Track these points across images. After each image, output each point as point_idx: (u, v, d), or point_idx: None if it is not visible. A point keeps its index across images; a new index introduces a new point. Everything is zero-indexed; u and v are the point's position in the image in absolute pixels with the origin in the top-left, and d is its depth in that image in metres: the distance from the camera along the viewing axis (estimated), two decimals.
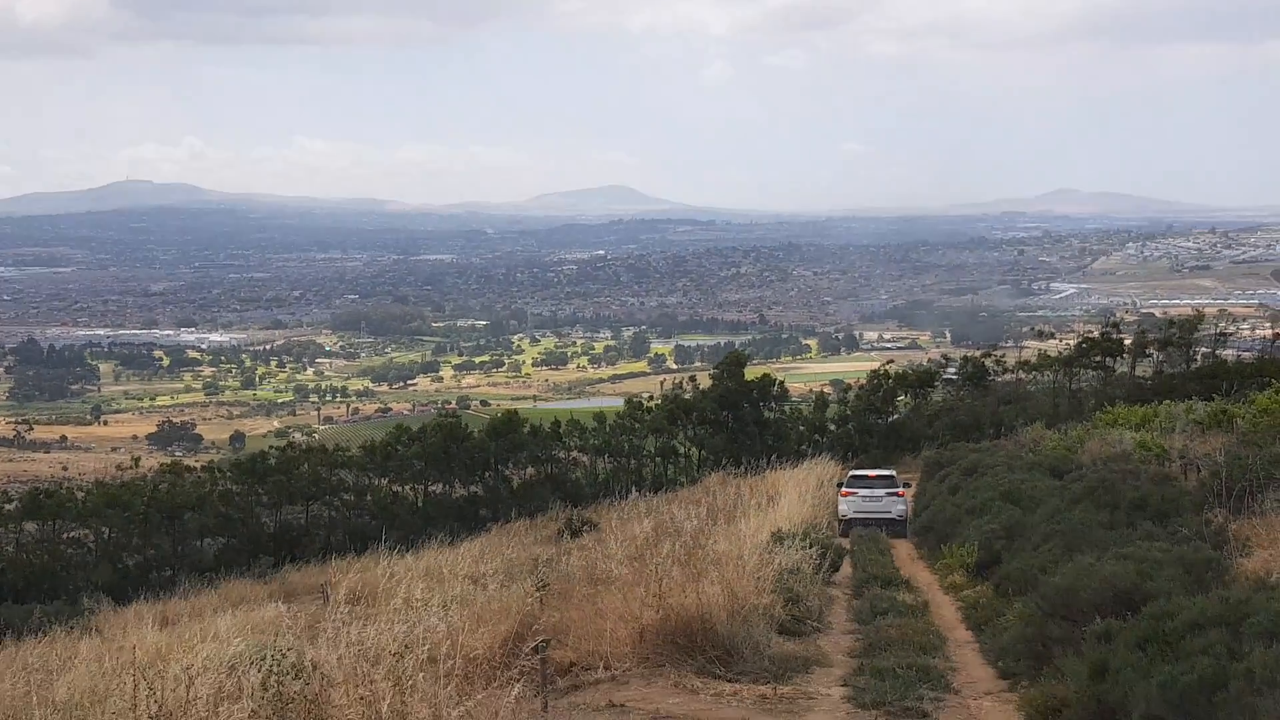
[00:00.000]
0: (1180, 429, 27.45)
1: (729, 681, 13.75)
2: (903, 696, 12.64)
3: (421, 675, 9.70)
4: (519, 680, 13.57)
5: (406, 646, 9.79)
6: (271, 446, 46.66)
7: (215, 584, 35.73)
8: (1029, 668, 13.44)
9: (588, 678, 14.11)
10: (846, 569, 23.58)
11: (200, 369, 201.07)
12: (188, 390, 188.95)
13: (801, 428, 53.64)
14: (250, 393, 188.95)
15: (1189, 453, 23.89)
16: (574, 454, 48.57)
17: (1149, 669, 10.22)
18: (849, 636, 16.85)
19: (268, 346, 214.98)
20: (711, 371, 54.79)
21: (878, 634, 16.25)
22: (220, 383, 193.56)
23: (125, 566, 40.32)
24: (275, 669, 9.73)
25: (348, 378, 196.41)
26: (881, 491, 31.71)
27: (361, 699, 8.95)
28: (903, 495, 32.15)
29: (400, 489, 45.23)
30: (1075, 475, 24.25)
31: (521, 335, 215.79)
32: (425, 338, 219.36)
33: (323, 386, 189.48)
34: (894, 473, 33.99)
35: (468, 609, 17.14)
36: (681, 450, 50.00)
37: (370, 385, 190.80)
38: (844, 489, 32.42)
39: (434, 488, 45.78)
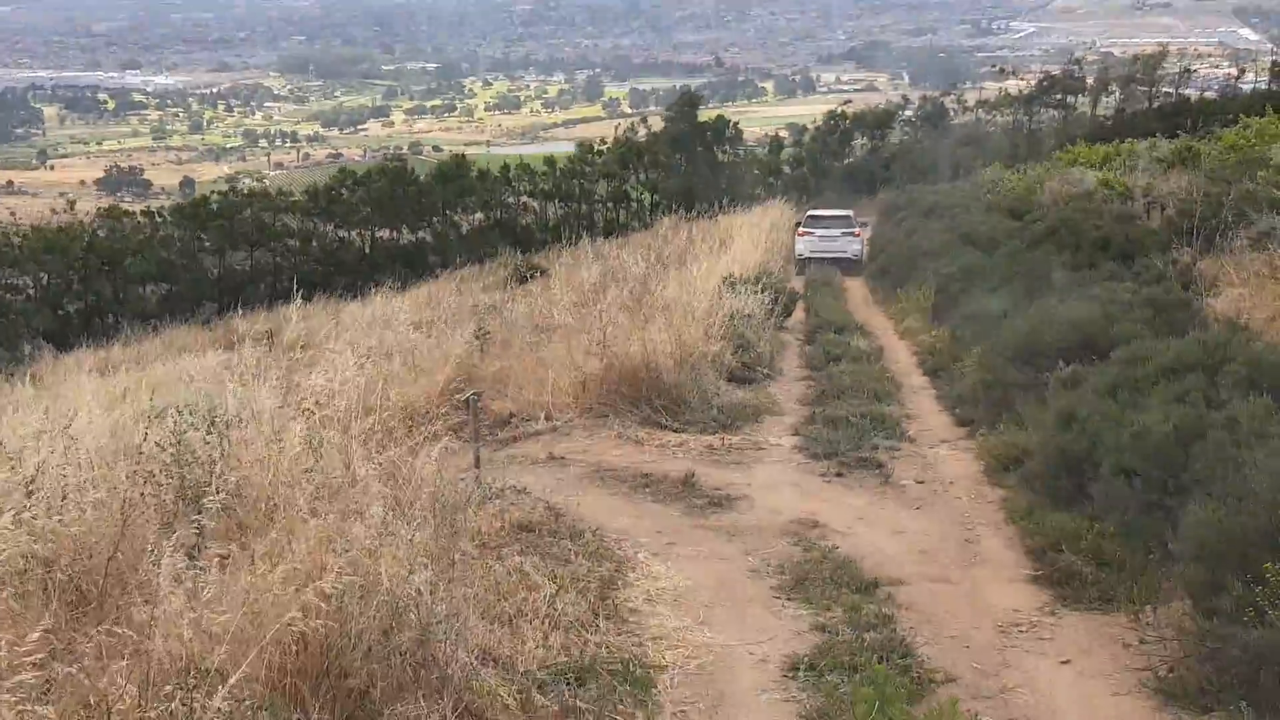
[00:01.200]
0: (1143, 167, 26.45)
1: (675, 432, 13.05)
2: (856, 446, 11.97)
3: (338, 429, 8.85)
4: (448, 433, 12.81)
5: (318, 403, 8.88)
6: (213, 191, 45.06)
7: (159, 331, 34.81)
8: (988, 415, 12.77)
9: (528, 429, 13.37)
10: (799, 314, 22.83)
11: (146, 113, 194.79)
12: (134, 135, 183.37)
13: (756, 171, 52.32)
14: (198, 137, 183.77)
15: (1154, 191, 22.96)
16: (524, 199, 47.17)
17: (1120, 418, 9.49)
18: (801, 384, 16.16)
19: (214, 90, 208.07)
20: (665, 114, 52.95)
21: (831, 381, 15.55)
22: (167, 127, 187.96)
23: (66, 313, 39.20)
24: (190, 422, 8.81)
25: (297, 122, 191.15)
26: (838, 231, 31.80)
27: (265, 455, 8.07)
28: (859, 235, 32.20)
29: (346, 235, 43.89)
30: (1035, 216, 23.34)
31: (473, 79, 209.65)
32: (375, 81, 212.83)
33: (272, 131, 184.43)
34: (851, 213, 33.88)
35: (404, 358, 16.32)
36: (634, 195, 48.64)
37: (320, 130, 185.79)
38: (801, 229, 32.42)
39: (381, 234, 44.47)
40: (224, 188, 45.76)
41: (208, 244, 41.71)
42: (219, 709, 4.14)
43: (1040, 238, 20.77)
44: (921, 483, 11.00)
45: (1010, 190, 30.62)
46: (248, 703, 4.53)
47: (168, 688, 4.21)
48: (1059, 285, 16.34)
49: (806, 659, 6.96)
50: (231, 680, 4.33)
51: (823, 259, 30.55)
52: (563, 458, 12.02)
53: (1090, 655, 7.14)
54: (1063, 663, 7.04)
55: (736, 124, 53.26)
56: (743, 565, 8.85)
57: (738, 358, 16.01)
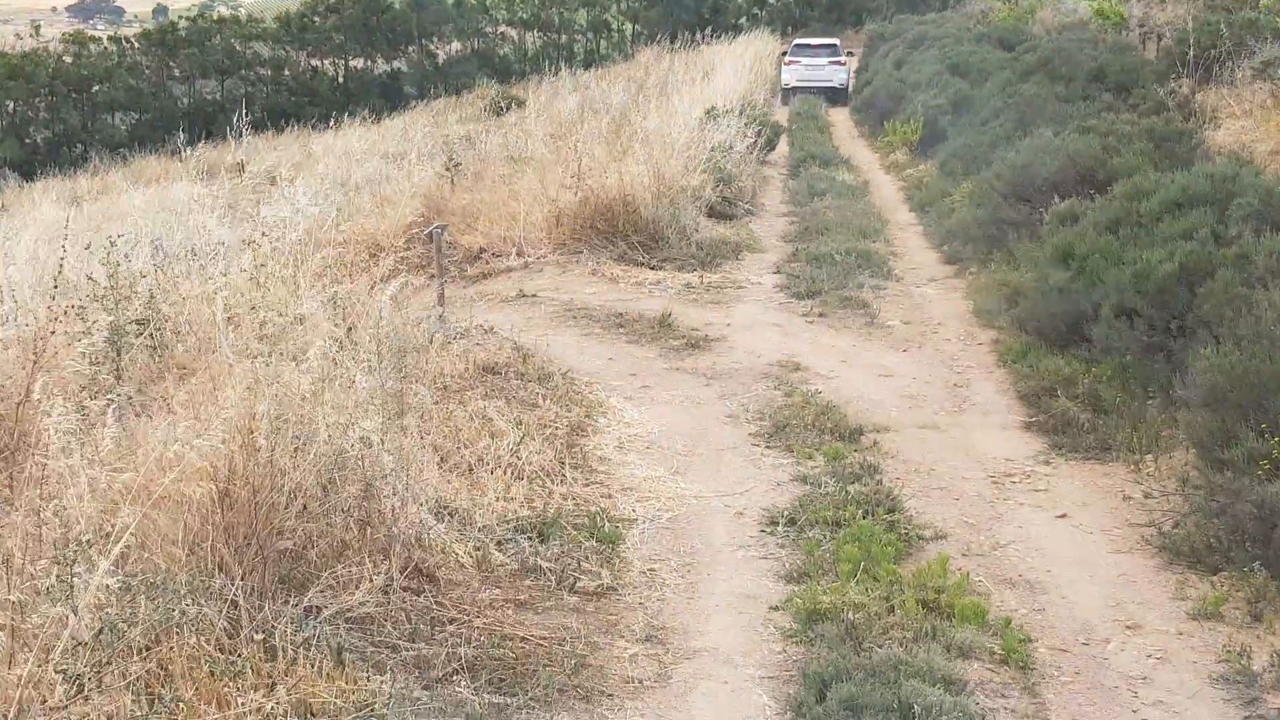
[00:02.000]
0: None
1: (652, 269, 12.40)
2: (840, 284, 11.36)
3: (290, 262, 8.19)
4: (413, 269, 12.17)
5: (264, 234, 8.21)
6: (182, 17, 43.30)
7: (127, 161, 33.74)
8: (978, 253, 12.14)
9: (498, 265, 12.71)
10: (783, 148, 22.01)
11: None
12: None
13: (741, 1, 50.56)
14: None
15: (1150, 20, 21.98)
16: (502, 29, 45.57)
17: (1121, 255, 8.88)
18: (784, 219, 15.48)
19: None
20: None
21: (814, 217, 14.87)
22: None
23: (34, 142, 37.98)
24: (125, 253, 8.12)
25: None
26: (824, 60, 31.60)
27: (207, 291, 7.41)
28: (844, 65, 32.02)
29: (320, 64, 42.43)
30: (1027, 46, 22.33)
31: None
32: None
33: None
34: (837, 42, 33.71)
35: (371, 191, 15.58)
36: (615, 24, 46.98)
37: None
38: (787, 58, 32.14)
39: (355, 63, 43.00)
40: (194, 14, 44.02)
41: (177, 72, 40.26)
42: (102, 584, 3.57)
43: (1032, 69, 19.81)
44: (908, 323, 10.42)
45: (1001, 21, 29.49)
46: (140, 577, 3.96)
47: (43, 561, 3.63)
48: (1053, 117, 15.55)
49: (786, 513, 6.44)
50: (117, 548, 3.74)
51: (809, 89, 30.13)
52: (534, 295, 11.39)
53: (1088, 509, 6.64)
54: (1058, 517, 6.54)
55: None
56: (720, 410, 8.30)
57: (718, 192, 15.28)
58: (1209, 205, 9.01)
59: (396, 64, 43.02)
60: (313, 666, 4.18)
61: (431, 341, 8.64)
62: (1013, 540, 6.23)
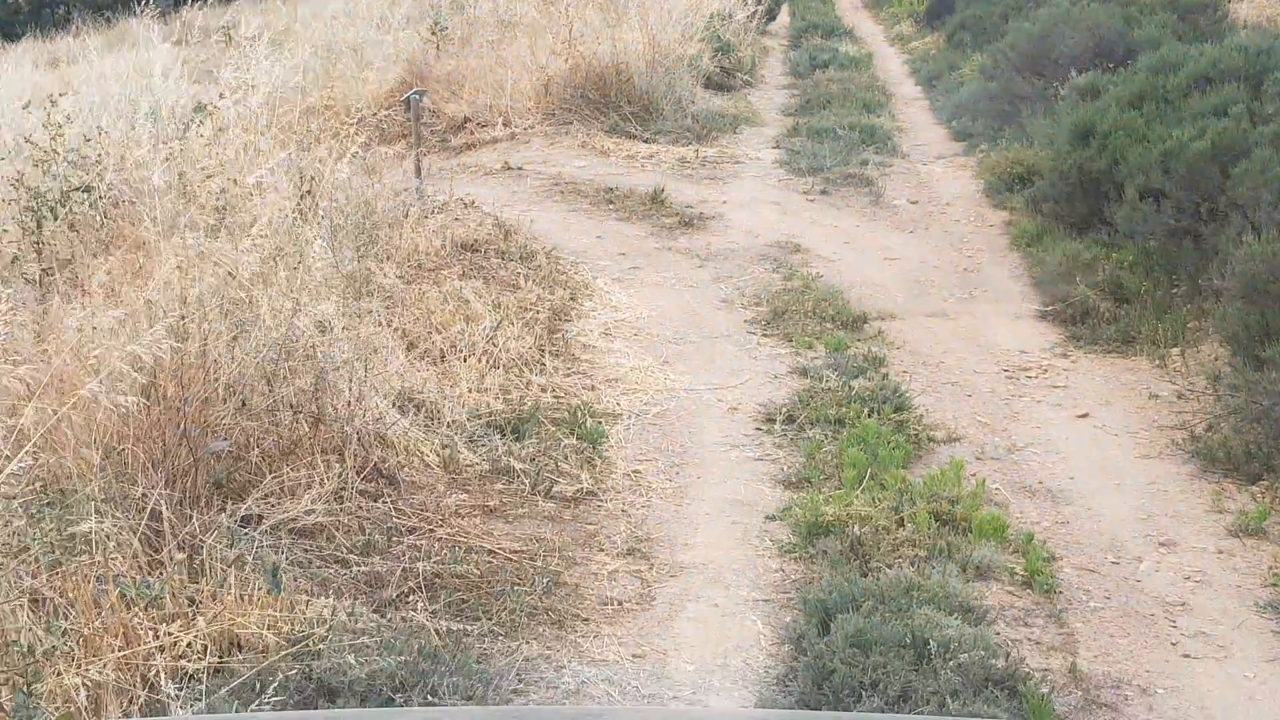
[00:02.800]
0: None
1: (645, 142, 11.65)
2: (843, 161, 10.62)
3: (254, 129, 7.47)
4: (395, 139, 11.46)
5: (223, 95, 7.47)
6: None
7: (111, 23, 32.51)
8: (989, 130, 11.39)
9: (483, 136, 11.94)
10: (784, 18, 21.00)
11: None
12: None
13: None
14: None
15: None
16: None
17: (1147, 133, 8.17)
18: (784, 92, 14.66)
19: None
20: None
21: (816, 89, 14.05)
22: None
23: (16, 1, 36.56)
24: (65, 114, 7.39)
25: None
26: None
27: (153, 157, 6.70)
28: None
29: None
30: None
31: None
32: None
33: None
34: None
35: (353, 55, 14.72)
36: None
37: None
38: None
39: None
40: None
41: None
42: None
43: None
44: (915, 203, 9.73)
45: None
46: (43, 484, 3.36)
47: None
48: (1058, 3, 14.67)
49: (784, 409, 5.85)
50: (20, 455, 3.14)
51: None
52: (519, 168, 10.66)
53: (1111, 407, 6.05)
54: (1079, 416, 5.95)
55: None
56: (714, 294, 7.67)
57: (716, 62, 14.43)
58: (1242, 80, 8.27)
59: None
60: (243, 589, 3.60)
61: (406, 215, 7.96)
62: (1031, 443, 5.65)
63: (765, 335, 7.00)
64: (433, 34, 14.28)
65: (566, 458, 5.23)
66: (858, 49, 17.20)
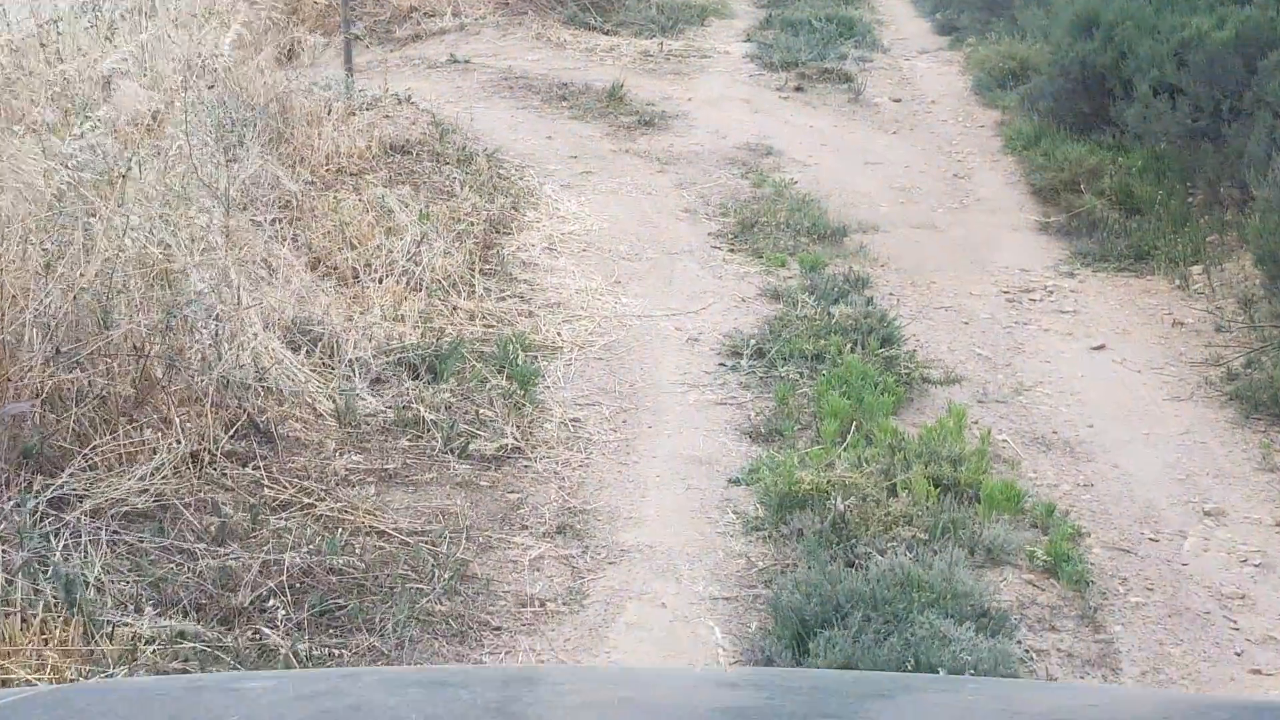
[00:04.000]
0: None
1: (606, 34, 10.50)
2: (820, 55, 9.50)
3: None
4: (326, 31, 10.30)
5: None
6: None
7: None
8: (976, 21, 10.30)
9: (430, 26, 10.75)
10: None
11: None
12: None
13: None
14: None
15: None
16: None
17: (1157, 23, 7.13)
18: None
19: None
20: None
21: None
22: None
23: None
24: None
25: None
26: None
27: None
28: None
29: None
30: None
31: None
32: None
33: None
34: None
35: None
36: None
37: None
38: None
39: None
40: None
41: None
42: None
43: None
44: (898, 101, 8.68)
45: None
46: None
47: None
48: None
49: (753, 340, 4.87)
50: None
51: None
52: (466, 61, 9.52)
53: (1129, 337, 5.11)
54: (1094, 349, 5.01)
55: None
56: (675, 203, 6.65)
57: None
58: None
59: None
60: (29, 609, 2.63)
61: (329, 112, 6.87)
62: (1041, 381, 4.70)
63: (732, 250, 6.00)
64: None
65: (491, 404, 4.24)
66: None
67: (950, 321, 5.23)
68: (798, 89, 8.82)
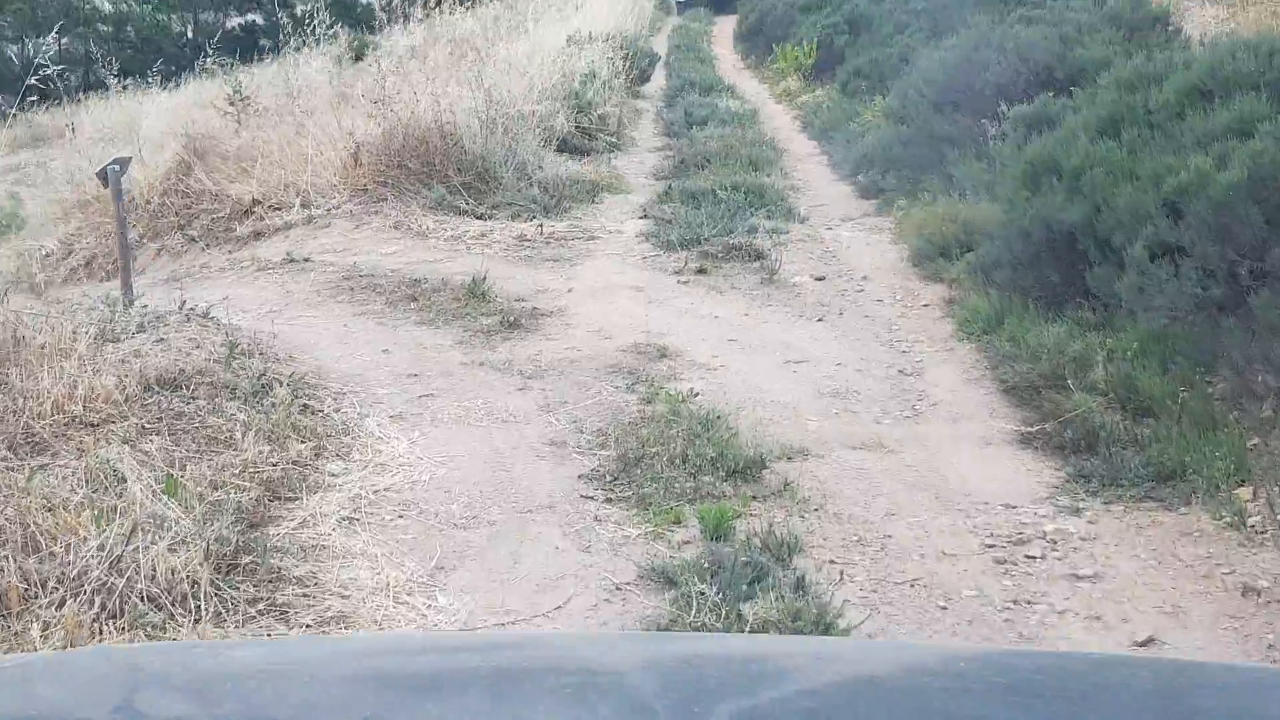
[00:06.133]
0: None
1: (479, 218, 9.01)
2: (726, 229, 8.03)
3: None
4: (172, 231, 8.79)
5: None
6: None
7: None
8: (904, 182, 8.92)
9: (276, 221, 9.21)
10: (660, 80, 18.58)
11: None
12: None
13: None
14: None
15: None
16: None
17: (1134, 168, 5.71)
18: (656, 155, 12.12)
19: None
20: None
21: (693, 147, 11.52)
22: None
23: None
24: None
25: None
26: None
27: None
28: None
29: (165, 18, 37.92)
30: None
31: None
32: None
33: None
34: None
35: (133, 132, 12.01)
36: None
37: None
38: None
39: (205, 16, 38.61)
40: None
41: (8, 31, 35.60)
42: None
43: None
44: (821, 279, 7.17)
45: None
46: None
47: None
48: (976, 25, 12.39)
49: None
50: None
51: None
52: (306, 259, 7.94)
53: (1185, 620, 3.45)
54: (1140, 645, 3.33)
55: None
56: (538, 432, 4.98)
57: (574, 121, 11.88)
58: (1262, 89, 5.85)
59: (251, 16, 38.64)
60: None
61: (75, 338, 5.17)
62: None
63: (609, 501, 4.33)
64: (231, 104, 11.59)
65: None
66: (740, 105, 14.76)
67: (921, 607, 3.54)
68: (700, 271, 7.30)
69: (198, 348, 5.54)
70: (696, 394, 5.28)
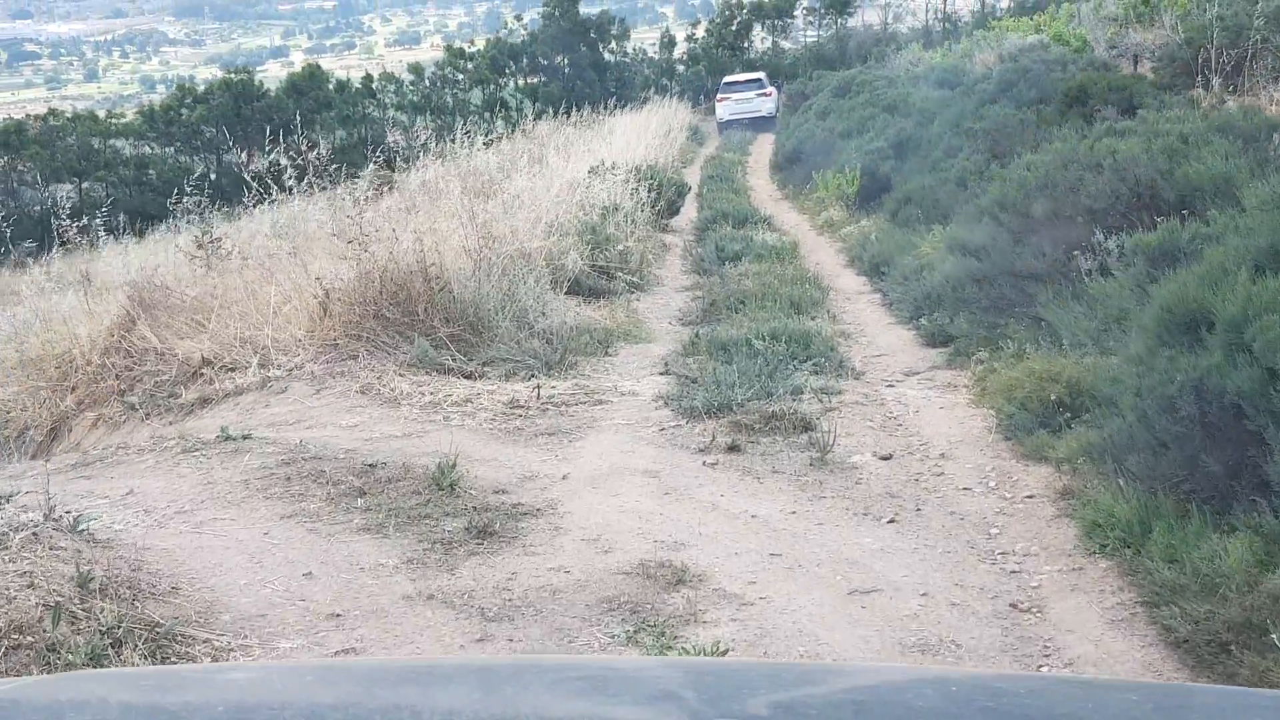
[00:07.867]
0: (1092, 24, 21.13)
1: (467, 377, 7.56)
2: (764, 390, 6.50)
3: None
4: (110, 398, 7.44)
5: None
6: (32, 115, 38.17)
7: None
8: (979, 327, 7.38)
9: (226, 385, 7.78)
10: (690, 213, 17.29)
11: (40, 62, 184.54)
12: (29, 85, 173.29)
13: (648, 71, 45.92)
14: (94, 86, 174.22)
15: (1122, 42, 17.69)
16: (391, 114, 40.87)
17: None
18: (683, 295, 10.70)
19: (109, 37, 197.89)
20: (543, 9, 46.08)
21: (724, 286, 10.08)
22: (62, 76, 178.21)
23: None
24: None
25: (195, 66, 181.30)
26: (752, 93, 33.76)
27: None
28: (771, 95, 33.88)
29: (188, 159, 37.47)
30: (979, 77, 17.92)
31: (372, 15, 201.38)
32: (273, 21, 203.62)
33: (169, 76, 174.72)
34: (762, 75, 36.15)
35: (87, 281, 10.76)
36: (513, 103, 42.37)
37: (219, 72, 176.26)
38: (719, 95, 34.54)
39: (229, 157, 38.18)
40: (43, 111, 38.98)
41: (28, 176, 35.20)
42: None
43: (993, 96, 15.34)
44: (888, 458, 5.59)
45: (935, 65, 25.22)
46: None
47: None
48: (1033, 143, 10.99)
49: None
50: None
51: (741, 120, 32.21)
52: (245, 436, 6.44)
53: None
54: None
55: (623, 19, 46.95)
56: None
57: (590, 258, 10.49)
58: None
59: (275, 156, 38.19)
60: None
61: None
62: None
63: None
64: (200, 247, 10.31)
65: None
66: (779, 238, 13.35)
67: None
68: (731, 448, 5.74)
69: (30, 586, 4.02)
70: (726, 648, 3.69)
